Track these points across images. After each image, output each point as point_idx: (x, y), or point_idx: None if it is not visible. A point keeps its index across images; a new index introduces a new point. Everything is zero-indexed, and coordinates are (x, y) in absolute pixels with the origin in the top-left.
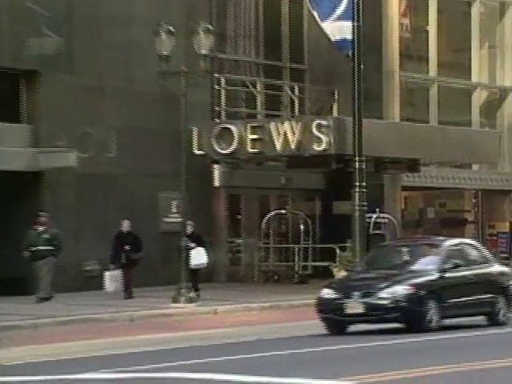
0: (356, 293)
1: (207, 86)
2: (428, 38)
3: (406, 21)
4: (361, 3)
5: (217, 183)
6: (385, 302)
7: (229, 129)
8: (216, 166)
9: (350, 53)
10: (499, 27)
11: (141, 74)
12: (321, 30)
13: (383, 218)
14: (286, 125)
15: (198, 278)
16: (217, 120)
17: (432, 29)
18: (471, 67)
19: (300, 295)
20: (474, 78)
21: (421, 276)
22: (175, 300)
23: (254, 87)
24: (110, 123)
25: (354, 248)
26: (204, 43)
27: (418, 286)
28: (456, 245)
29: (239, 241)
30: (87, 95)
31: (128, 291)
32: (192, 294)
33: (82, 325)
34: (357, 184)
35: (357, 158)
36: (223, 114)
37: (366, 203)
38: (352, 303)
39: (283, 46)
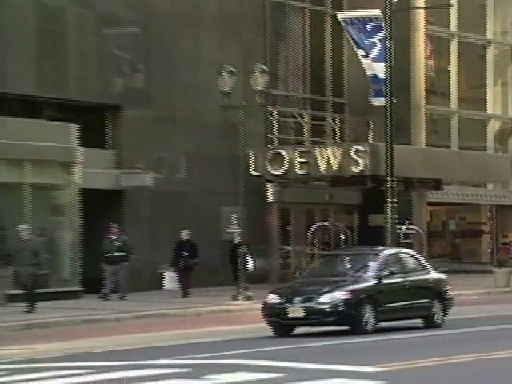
0: (297, 298)
1: (262, 117)
2: (449, 76)
3: (431, 62)
4: (392, 47)
5: (270, 199)
6: (324, 306)
7: (280, 153)
8: (269, 185)
9: (383, 89)
10: (510, 67)
11: (206, 107)
12: (360, 67)
13: (411, 229)
14: (329, 150)
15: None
16: (270, 146)
17: (453, 69)
18: (486, 101)
19: None
20: (489, 110)
21: (359, 282)
22: (235, 298)
23: (302, 118)
24: (180, 149)
25: None
26: (259, 81)
27: (355, 292)
28: (394, 254)
29: (289, 248)
30: (161, 125)
31: (185, 291)
32: (249, 293)
33: (156, 318)
34: (389, 200)
35: (389, 178)
36: (275, 141)
37: (396, 216)
38: (293, 308)
39: (326, 83)
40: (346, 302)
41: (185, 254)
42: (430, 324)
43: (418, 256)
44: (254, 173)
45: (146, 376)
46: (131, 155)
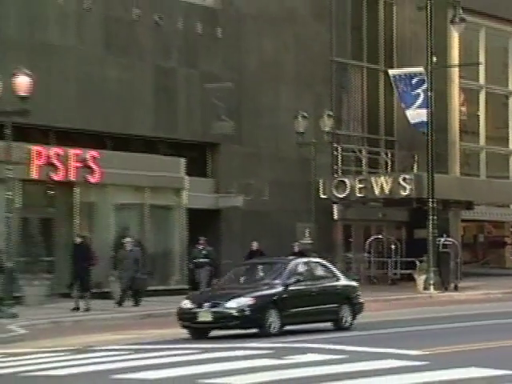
0: (207, 303)
1: (329, 152)
2: (478, 119)
3: (464, 108)
4: (433, 97)
5: (335, 217)
6: (230, 311)
7: (343, 181)
8: (335, 206)
9: (425, 130)
10: None
11: (285, 144)
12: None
13: (449, 241)
14: (382, 178)
15: None
16: (335, 175)
17: (481, 113)
18: (509, 139)
19: (391, 293)
20: (511, 146)
21: (266, 289)
22: None
23: (360, 153)
24: (265, 177)
25: (428, 261)
26: (327, 124)
27: (260, 298)
28: (303, 263)
29: (350, 255)
30: (249, 159)
31: None
32: None
33: None
34: (430, 218)
35: (430, 200)
36: (339, 171)
37: (436, 231)
38: (203, 312)
39: (380, 125)
40: (251, 306)
41: None
42: (339, 327)
43: (329, 265)
44: (323, 196)
45: (239, 355)
46: (226, 182)
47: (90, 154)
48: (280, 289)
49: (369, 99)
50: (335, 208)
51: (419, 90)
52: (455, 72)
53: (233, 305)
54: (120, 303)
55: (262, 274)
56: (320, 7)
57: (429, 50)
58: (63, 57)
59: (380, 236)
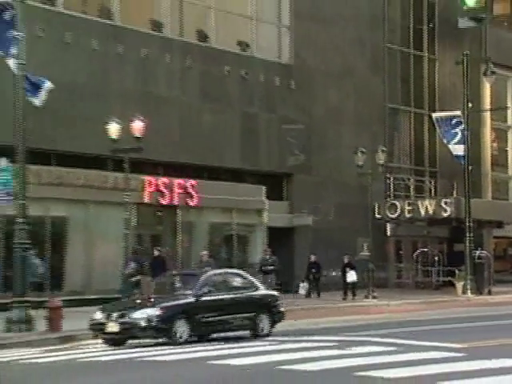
0: (115, 314)
1: (382, 181)
2: (507, 154)
3: (495, 144)
4: (469, 135)
5: (388, 233)
6: (137, 321)
7: (395, 204)
8: (388, 224)
9: (463, 162)
10: None
11: (347, 174)
12: (447, 148)
13: (483, 253)
14: (427, 201)
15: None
16: (388, 199)
17: (509, 149)
18: None
19: (435, 296)
20: None
21: (175, 300)
22: (366, 297)
23: (409, 180)
24: (330, 201)
25: (465, 270)
26: (381, 157)
27: (168, 308)
28: (219, 274)
29: (401, 265)
30: (318, 186)
31: (317, 294)
32: (375, 294)
33: (309, 310)
34: (467, 234)
35: (467, 220)
36: (391, 196)
37: (472, 245)
38: (111, 323)
39: (425, 158)
40: (158, 317)
41: (313, 270)
42: (256, 334)
43: (247, 275)
44: (378, 216)
45: (309, 347)
46: (299, 205)
47: (190, 182)
48: (191, 299)
49: (415, 137)
50: (388, 226)
51: (457, 130)
52: (487, 115)
53: (140, 315)
54: None
55: (177, 285)
56: (375, 63)
57: (465, 97)
58: (169, 105)
59: (425, 249)
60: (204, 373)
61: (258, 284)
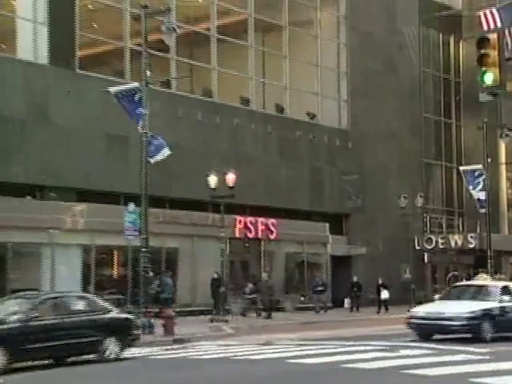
0: None
1: (420, 219)
2: None
3: (510, 191)
4: (488, 183)
5: (426, 261)
6: None
7: (431, 238)
8: (425, 254)
9: (485, 205)
10: None
11: (392, 214)
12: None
13: (501, 276)
14: (456, 236)
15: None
16: (425, 234)
17: None
18: None
19: None
20: None
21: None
22: (408, 311)
23: (441, 219)
24: (379, 234)
25: None
26: (419, 201)
27: None
28: (56, 298)
29: (436, 286)
30: (369, 223)
31: (357, 308)
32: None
33: (352, 321)
34: (488, 261)
35: (488, 250)
36: (428, 231)
37: (493, 269)
38: None
39: (454, 201)
40: None
41: (355, 289)
42: (102, 358)
43: (97, 299)
44: (417, 247)
45: (361, 350)
46: (355, 238)
47: (271, 221)
48: (18, 324)
49: (446, 185)
50: (425, 255)
51: (480, 179)
52: (503, 167)
53: None
54: (269, 315)
55: (12, 309)
56: (414, 128)
57: (485, 154)
58: (254, 161)
59: (455, 273)
60: None
61: (109, 307)
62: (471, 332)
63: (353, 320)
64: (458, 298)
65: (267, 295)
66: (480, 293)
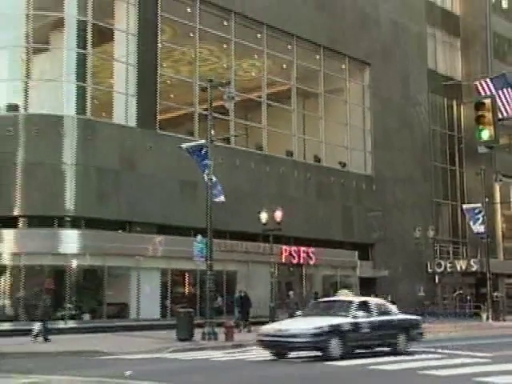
0: None
1: (432, 247)
2: None
3: (504, 225)
4: (486, 219)
5: (436, 281)
6: None
7: (440, 263)
8: (436, 276)
9: (484, 236)
10: None
11: (408, 243)
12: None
13: (499, 294)
14: (461, 261)
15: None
16: (436, 259)
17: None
18: None
19: (467, 321)
20: None
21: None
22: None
23: (449, 247)
24: (398, 260)
25: (487, 305)
26: (430, 233)
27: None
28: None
29: (445, 302)
30: (390, 251)
31: None
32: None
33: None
34: (488, 282)
35: (488, 273)
36: (438, 257)
37: (492, 289)
38: None
39: (459, 233)
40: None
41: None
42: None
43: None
44: (430, 270)
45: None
46: (378, 263)
47: (310, 249)
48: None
49: (452, 219)
50: (436, 277)
51: (479, 216)
52: (498, 205)
53: None
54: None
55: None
56: (425, 173)
57: (483, 195)
58: (297, 202)
59: (461, 291)
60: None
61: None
62: (318, 349)
63: None
64: (316, 314)
65: (292, 309)
66: (333, 308)
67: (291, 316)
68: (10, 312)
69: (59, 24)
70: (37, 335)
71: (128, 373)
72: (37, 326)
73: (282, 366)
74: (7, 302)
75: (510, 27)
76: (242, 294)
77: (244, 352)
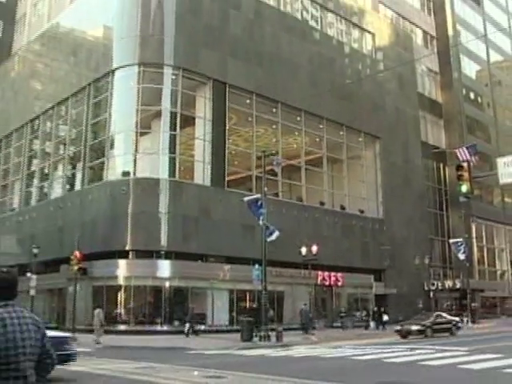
0: None
1: (428, 272)
2: (484, 258)
3: (479, 254)
4: (467, 250)
5: (431, 296)
6: None
7: (434, 283)
8: (431, 292)
9: (467, 262)
10: None
11: (410, 268)
12: (457, 256)
13: (475, 304)
14: (449, 281)
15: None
16: (430, 280)
17: (485, 257)
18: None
19: None
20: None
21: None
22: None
23: (440, 271)
24: (403, 281)
25: (468, 312)
26: (426, 260)
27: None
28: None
29: (443, 314)
30: (397, 274)
31: (379, 327)
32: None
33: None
34: (468, 296)
35: (468, 289)
36: (432, 278)
37: (471, 301)
38: None
39: (447, 260)
40: None
41: (376, 315)
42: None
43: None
44: (426, 288)
45: (388, 350)
46: (389, 283)
47: (338, 274)
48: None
49: (442, 251)
50: (431, 293)
51: (461, 247)
52: (474, 239)
53: None
54: (308, 333)
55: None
56: (422, 216)
57: (464, 232)
58: (327, 239)
59: (448, 303)
60: None
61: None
62: None
63: (378, 334)
64: None
65: (305, 319)
66: None
67: (303, 325)
68: (124, 317)
69: (158, 114)
70: (187, 333)
71: (196, 373)
72: (186, 328)
73: (320, 360)
74: (123, 310)
75: (477, 112)
76: (304, 307)
77: (288, 350)
